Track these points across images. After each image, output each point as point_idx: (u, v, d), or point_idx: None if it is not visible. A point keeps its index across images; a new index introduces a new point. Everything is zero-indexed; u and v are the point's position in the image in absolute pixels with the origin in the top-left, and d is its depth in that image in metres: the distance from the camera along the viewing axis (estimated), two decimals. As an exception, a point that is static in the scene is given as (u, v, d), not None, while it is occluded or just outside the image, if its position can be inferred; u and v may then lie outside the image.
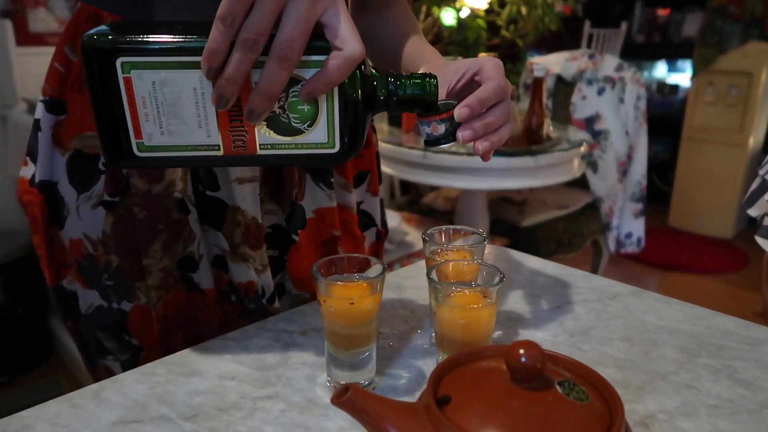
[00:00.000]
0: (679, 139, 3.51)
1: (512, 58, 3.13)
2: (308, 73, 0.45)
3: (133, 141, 0.48)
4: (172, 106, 0.47)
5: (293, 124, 0.48)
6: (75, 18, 0.61)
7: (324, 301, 0.51)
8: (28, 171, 0.64)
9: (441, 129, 0.54)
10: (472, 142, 0.55)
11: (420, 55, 0.67)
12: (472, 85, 0.57)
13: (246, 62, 0.42)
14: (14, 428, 0.48)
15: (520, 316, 0.67)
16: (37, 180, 0.63)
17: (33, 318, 2.08)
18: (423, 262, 0.70)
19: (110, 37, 0.45)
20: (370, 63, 0.50)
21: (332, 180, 0.71)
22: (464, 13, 2.58)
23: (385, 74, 0.51)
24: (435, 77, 0.52)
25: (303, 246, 0.71)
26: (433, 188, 2.60)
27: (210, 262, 0.66)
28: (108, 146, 0.49)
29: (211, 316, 0.67)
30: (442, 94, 0.58)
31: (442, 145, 0.55)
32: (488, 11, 2.70)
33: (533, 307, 0.70)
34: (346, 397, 0.36)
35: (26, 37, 2.18)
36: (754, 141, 3.28)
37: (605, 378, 0.36)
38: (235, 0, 0.41)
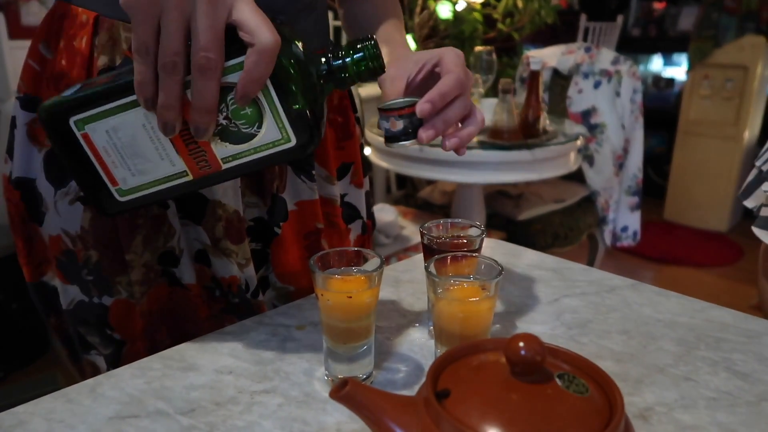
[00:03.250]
0: (674, 133, 3.51)
1: (508, 51, 3.13)
2: (236, 77, 0.44)
3: (112, 189, 0.50)
4: (131, 148, 0.48)
5: (243, 130, 0.47)
6: (49, 15, 0.61)
7: (321, 295, 0.50)
8: (7, 168, 0.64)
9: (399, 125, 0.53)
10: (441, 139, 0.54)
11: (385, 43, 0.66)
12: (433, 76, 0.56)
13: (173, 85, 0.42)
14: (9, 423, 0.48)
15: (519, 310, 0.67)
16: (13, 177, 0.63)
17: (28, 313, 2.07)
18: (420, 256, 0.70)
19: (57, 103, 0.47)
20: (300, 45, 0.48)
21: (314, 172, 0.71)
22: (460, 6, 2.57)
23: (322, 52, 0.50)
24: (373, 39, 0.50)
25: (286, 239, 0.70)
26: (430, 182, 2.59)
27: (192, 257, 0.66)
28: (96, 200, 0.51)
29: (194, 311, 0.67)
30: (402, 86, 0.56)
31: (403, 143, 0.54)
32: (484, 4, 2.69)
33: (531, 300, 0.70)
34: (344, 391, 0.36)
35: (18, 30, 2.16)
36: (749, 134, 3.28)
37: (604, 371, 0.36)
38: (140, 29, 0.41)
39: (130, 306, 0.64)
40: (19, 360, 2.06)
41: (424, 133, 0.53)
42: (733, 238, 3.32)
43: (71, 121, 0.47)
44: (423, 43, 2.64)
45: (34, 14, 2.20)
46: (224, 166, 0.49)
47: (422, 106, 0.52)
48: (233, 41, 0.43)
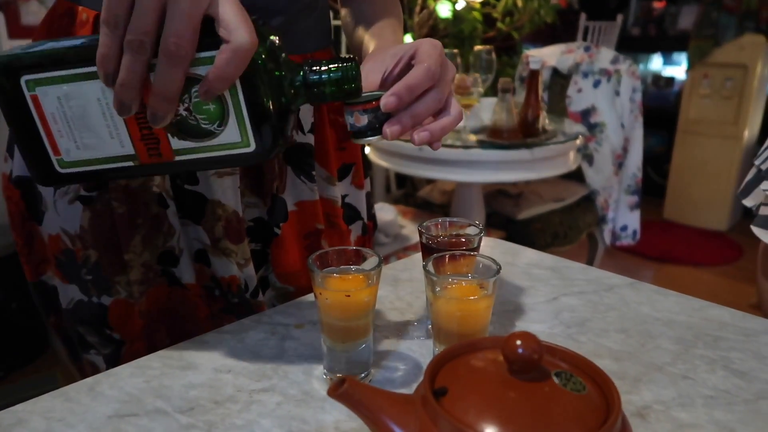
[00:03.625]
0: (674, 132, 3.51)
1: (508, 50, 3.13)
2: (205, 71, 0.43)
3: (53, 158, 0.48)
4: (81, 120, 0.46)
5: (202, 126, 0.46)
6: (49, 15, 0.61)
7: (320, 294, 0.50)
8: (7, 167, 0.64)
9: (364, 120, 0.50)
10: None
11: (376, 39, 0.64)
12: (410, 69, 0.53)
13: (137, 64, 0.40)
14: (8, 422, 0.48)
15: (517, 308, 0.67)
16: (13, 176, 0.63)
17: (27, 313, 2.07)
18: (419, 255, 0.70)
19: (13, 56, 0.45)
20: (279, 51, 0.46)
21: (314, 173, 0.71)
22: (460, 6, 2.57)
23: (302, 62, 0.48)
24: (354, 61, 0.48)
25: (285, 239, 0.70)
26: (429, 181, 2.59)
27: (191, 257, 0.66)
28: (33, 166, 0.49)
29: (194, 310, 0.67)
30: (376, 80, 0.53)
31: (369, 138, 0.51)
32: (484, 3, 2.69)
33: (530, 299, 0.70)
34: (342, 390, 0.36)
35: (18, 30, 2.16)
36: (749, 133, 3.28)
37: (602, 369, 0.36)
38: (114, 1, 0.39)
39: (129, 306, 0.64)
40: (18, 359, 2.06)
41: (388, 129, 0.50)
42: (733, 237, 3.32)
43: (23, 79, 0.45)
44: (422, 42, 2.64)
45: (33, 14, 2.20)
46: (176, 158, 0.47)
47: (386, 100, 0.49)
48: (209, 33, 0.41)
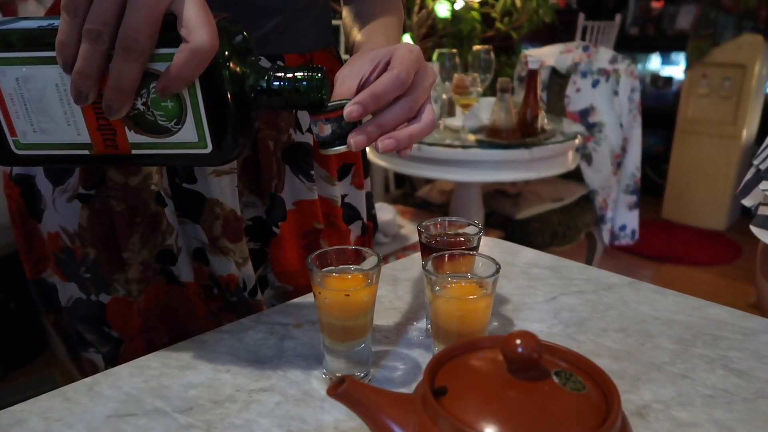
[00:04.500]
0: (672, 132, 3.51)
1: (507, 50, 3.13)
2: (164, 67, 0.42)
3: (9, 139, 0.47)
4: (39, 103, 0.45)
5: (160, 122, 0.45)
6: (51, 10, 0.61)
7: (319, 293, 0.50)
8: None
9: (327, 130, 0.48)
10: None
11: (366, 40, 0.63)
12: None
13: (94, 54, 0.40)
14: (7, 422, 0.48)
15: (516, 308, 0.67)
16: (13, 173, 0.63)
17: (26, 313, 2.07)
18: (418, 254, 0.70)
19: None
20: (246, 50, 0.45)
21: (312, 172, 0.71)
22: (458, 5, 2.57)
23: (269, 67, 0.47)
24: (321, 70, 0.47)
25: (284, 238, 0.70)
26: (428, 181, 2.59)
27: (190, 255, 0.66)
28: None
29: (192, 309, 0.67)
30: (353, 86, 0.49)
31: (336, 149, 0.49)
32: (482, 3, 2.69)
33: (529, 298, 0.70)
34: (342, 389, 0.36)
35: (16, 30, 2.15)
36: (747, 133, 3.29)
37: (601, 368, 0.36)
38: None
39: (127, 304, 0.64)
40: (17, 359, 2.06)
41: (353, 139, 0.47)
42: (732, 236, 3.33)
43: None
44: (421, 42, 2.64)
45: (31, 13, 2.20)
46: (132, 152, 0.46)
47: (349, 109, 0.46)
48: (172, 29, 0.40)
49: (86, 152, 0.47)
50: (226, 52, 0.43)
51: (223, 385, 0.53)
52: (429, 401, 0.34)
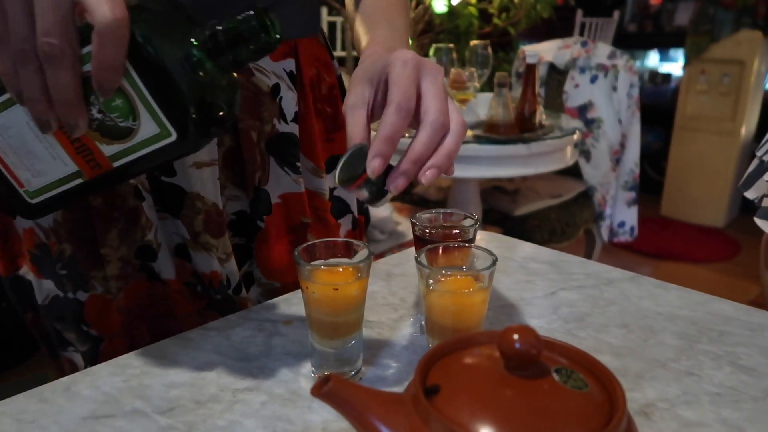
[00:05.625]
0: (671, 129, 3.50)
1: (504, 46, 3.11)
2: None
3: (20, 191, 0.46)
4: (23, 146, 0.44)
5: (120, 124, 0.42)
6: None
7: (307, 288, 0.48)
8: None
9: (365, 193, 0.46)
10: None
11: (369, 34, 0.59)
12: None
13: (30, 75, 0.37)
14: (-23, 424, 0.45)
15: (513, 303, 0.65)
16: None
17: (17, 312, 2.05)
18: (413, 249, 0.67)
19: None
20: (177, 18, 0.42)
21: (298, 164, 0.68)
22: (455, 1, 2.55)
23: (207, 25, 0.42)
24: (255, 11, 0.42)
25: (270, 233, 0.67)
26: (425, 178, 2.57)
27: (171, 251, 0.63)
28: (12, 203, 0.47)
29: (175, 307, 0.64)
30: (362, 119, 0.46)
31: (383, 200, 0.46)
32: (480, -1, 2.67)
33: (527, 293, 0.67)
34: (327, 388, 0.33)
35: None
36: (746, 130, 3.27)
37: (604, 365, 0.33)
38: None
39: (106, 302, 0.61)
40: (9, 359, 2.03)
41: (392, 185, 0.45)
42: (730, 233, 3.31)
43: None
44: (418, 38, 2.62)
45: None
46: (115, 164, 0.44)
47: (371, 167, 0.43)
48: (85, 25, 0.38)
49: (80, 180, 0.46)
50: (143, 25, 0.39)
51: (207, 385, 0.50)
52: (420, 401, 0.31)
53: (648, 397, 0.48)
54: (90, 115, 0.42)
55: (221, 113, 0.44)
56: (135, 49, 0.39)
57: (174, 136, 0.42)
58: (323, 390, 0.33)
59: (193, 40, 0.42)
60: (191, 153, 0.49)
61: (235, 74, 0.46)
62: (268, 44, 0.43)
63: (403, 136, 0.46)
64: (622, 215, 2.48)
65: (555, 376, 0.33)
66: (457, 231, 0.58)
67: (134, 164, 0.45)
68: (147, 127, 0.42)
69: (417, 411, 0.31)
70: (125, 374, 0.52)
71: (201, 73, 0.42)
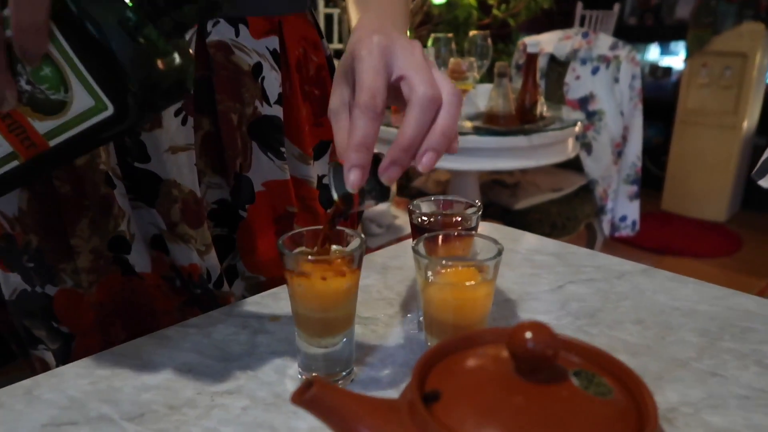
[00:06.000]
0: (672, 123, 3.45)
1: (504, 38, 3.06)
2: None
3: None
4: None
5: (51, 97, 0.38)
6: None
7: (291, 279, 0.43)
8: None
9: (372, 202, 0.42)
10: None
11: (359, 8, 0.54)
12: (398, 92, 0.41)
13: None
14: (-77, 433, 0.41)
15: (519, 298, 0.61)
16: None
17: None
18: (410, 242, 0.63)
19: None
20: None
21: (283, 150, 0.63)
22: (454, -9, 2.50)
23: None
24: None
25: (253, 223, 0.63)
26: (423, 171, 2.53)
27: (147, 243, 0.59)
28: None
29: (152, 303, 0.60)
30: (344, 122, 0.42)
31: (392, 192, 0.42)
32: (479, -11, 2.62)
33: (532, 287, 0.63)
34: (309, 395, 0.29)
35: None
36: (748, 123, 3.23)
37: (631, 368, 0.29)
38: None
39: (77, 296, 0.57)
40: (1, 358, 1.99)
41: (383, 177, 0.40)
42: (732, 228, 3.27)
43: None
44: (416, 30, 2.57)
45: None
46: (51, 143, 0.40)
47: (350, 181, 0.40)
48: None
49: (16, 163, 0.41)
50: None
51: (183, 388, 0.46)
52: (417, 409, 0.27)
53: (670, 400, 0.44)
54: (18, 87, 0.37)
55: (166, 84, 0.40)
56: (61, 10, 0.35)
57: (111, 110, 0.38)
58: (305, 396, 0.29)
59: (127, 0, 0.37)
60: (136, 128, 0.44)
61: (184, 39, 0.41)
62: (213, 3, 0.39)
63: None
64: (624, 209, 2.44)
65: (574, 380, 0.28)
66: (459, 219, 0.54)
67: (73, 142, 0.40)
68: (81, 100, 0.38)
69: (413, 420, 0.27)
70: (94, 376, 0.47)
71: (140, 39, 0.37)
